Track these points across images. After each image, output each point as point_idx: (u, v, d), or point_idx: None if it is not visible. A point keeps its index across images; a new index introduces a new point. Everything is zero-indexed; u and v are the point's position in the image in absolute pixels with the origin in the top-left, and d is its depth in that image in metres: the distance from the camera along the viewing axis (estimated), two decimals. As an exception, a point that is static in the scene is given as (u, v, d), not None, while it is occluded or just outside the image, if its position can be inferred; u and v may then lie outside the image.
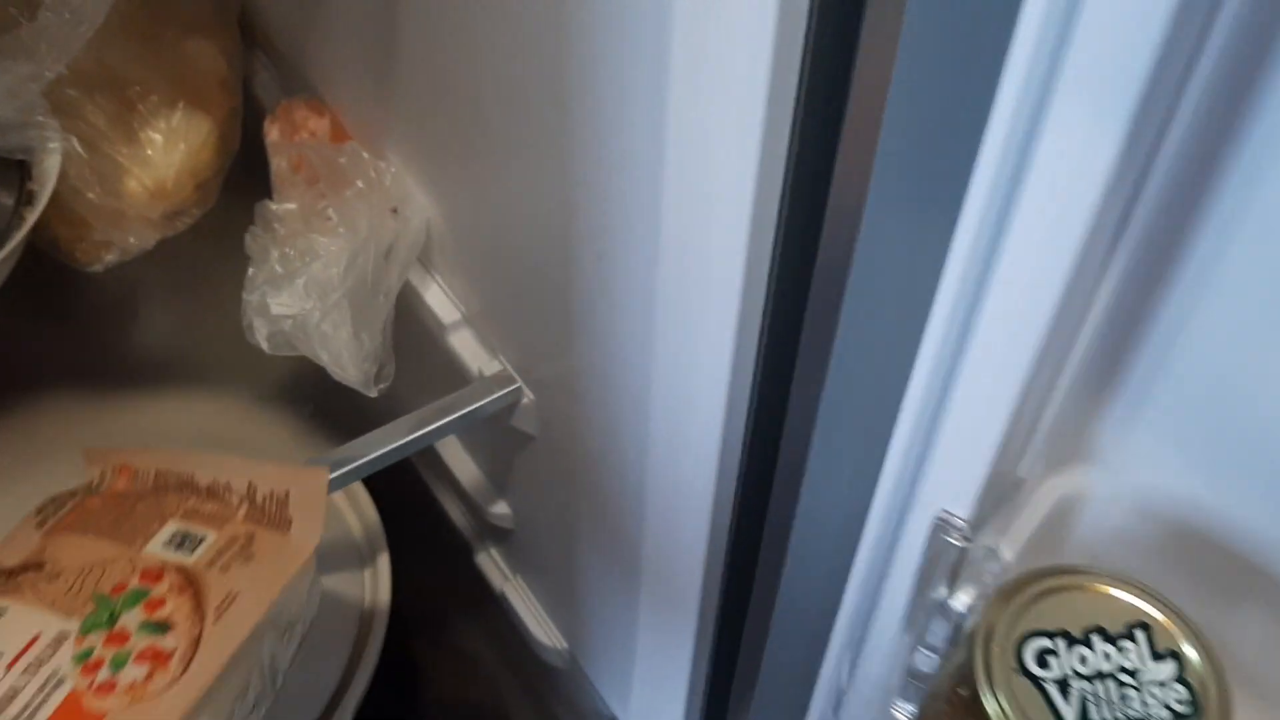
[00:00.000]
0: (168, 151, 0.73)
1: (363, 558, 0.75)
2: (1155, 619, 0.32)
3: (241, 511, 0.59)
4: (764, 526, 0.56)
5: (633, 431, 0.54)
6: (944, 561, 0.35)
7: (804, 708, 0.61)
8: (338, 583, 0.73)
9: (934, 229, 0.31)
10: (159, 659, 0.53)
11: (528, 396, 0.64)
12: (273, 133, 0.73)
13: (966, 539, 0.35)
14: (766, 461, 0.51)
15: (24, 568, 0.57)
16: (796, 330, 0.42)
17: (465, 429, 0.66)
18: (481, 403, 0.65)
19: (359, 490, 0.77)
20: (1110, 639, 0.32)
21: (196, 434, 0.78)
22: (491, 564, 0.81)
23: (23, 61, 0.64)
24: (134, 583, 0.55)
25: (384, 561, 0.74)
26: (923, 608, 0.38)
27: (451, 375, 0.68)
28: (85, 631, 0.54)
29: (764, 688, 0.64)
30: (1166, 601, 0.33)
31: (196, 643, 0.53)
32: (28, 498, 0.63)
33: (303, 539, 0.57)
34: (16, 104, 0.66)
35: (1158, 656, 0.32)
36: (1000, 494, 0.35)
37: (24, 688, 0.52)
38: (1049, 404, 0.34)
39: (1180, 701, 0.31)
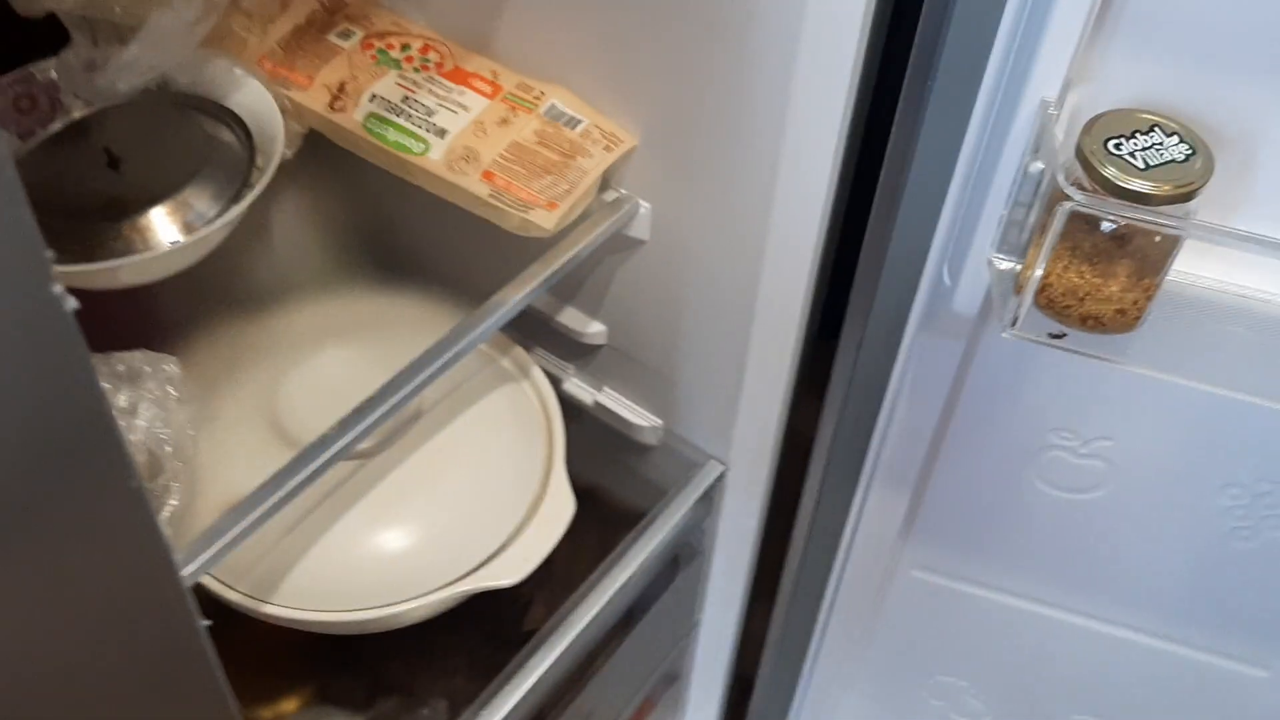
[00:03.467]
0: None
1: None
2: (1165, 124, 0.64)
3: None
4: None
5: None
6: (1042, 137, 0.65)
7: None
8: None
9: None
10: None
11: (644, 206, 0.88)
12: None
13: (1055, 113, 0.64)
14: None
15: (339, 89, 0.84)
16: None
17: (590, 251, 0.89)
18: (610, 222, 0.88)
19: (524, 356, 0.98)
20: (1146, 133, 0.63)
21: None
22: (578, 388, 1.03)
23: None
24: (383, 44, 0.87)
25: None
26: (1021, 173, 0.67)
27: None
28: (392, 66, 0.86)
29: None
30: (1169, 117, 0.64)
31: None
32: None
33: None
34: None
35: (1170, 134, 0.63)
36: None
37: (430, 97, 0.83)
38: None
39: (1183, 152, 0.62)
